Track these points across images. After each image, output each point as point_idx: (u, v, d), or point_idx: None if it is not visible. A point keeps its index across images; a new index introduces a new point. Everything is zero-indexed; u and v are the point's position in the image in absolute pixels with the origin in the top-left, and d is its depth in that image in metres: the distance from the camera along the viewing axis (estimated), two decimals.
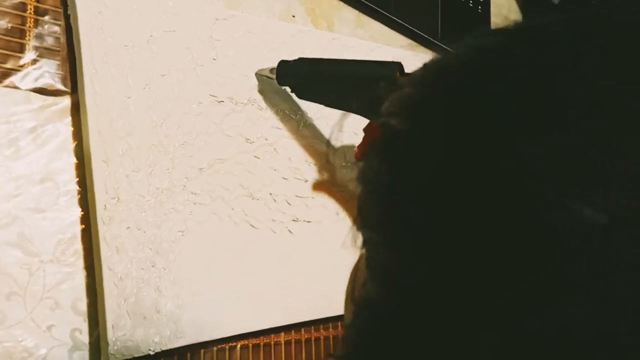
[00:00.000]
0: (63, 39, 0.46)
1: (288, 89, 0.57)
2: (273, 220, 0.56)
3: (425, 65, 0.24)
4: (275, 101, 0.58)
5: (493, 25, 0.79)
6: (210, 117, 0.53)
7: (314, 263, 0.58)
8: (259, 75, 0.57)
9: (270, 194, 0.56)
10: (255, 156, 0.56)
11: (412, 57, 0.74)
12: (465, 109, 0.20)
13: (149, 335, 0.46)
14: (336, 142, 0.63)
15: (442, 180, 0.20)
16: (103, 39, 0.46)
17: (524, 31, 0.22)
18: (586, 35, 0.20)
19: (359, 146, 0.57)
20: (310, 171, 0.60)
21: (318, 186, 0.60)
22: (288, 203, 0.57)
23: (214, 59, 0.54)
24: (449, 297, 0.19)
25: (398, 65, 0.50)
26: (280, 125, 0.58)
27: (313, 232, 0.59)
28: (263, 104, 0.57)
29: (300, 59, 0.55)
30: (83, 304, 0.44)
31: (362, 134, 0.40)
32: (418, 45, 0.79)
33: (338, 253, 0.60)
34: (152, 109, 0.49)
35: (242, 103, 0.56)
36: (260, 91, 0.57)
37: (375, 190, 0.24)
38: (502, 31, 0.22)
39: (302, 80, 0.55)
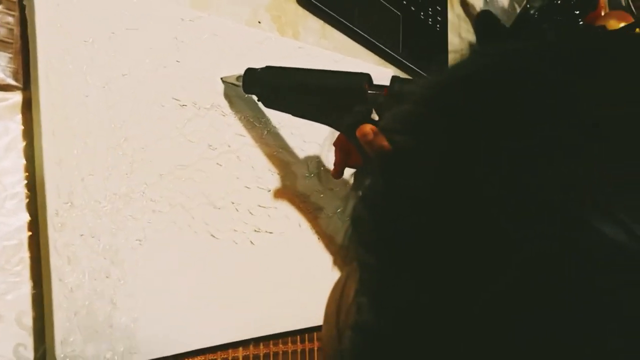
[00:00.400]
0: (17, 31, 0.43)
1: (254, 97, 0.56)
2: (235, 230, 0.54)
3: (423, 82, 0.24)
4: (241, 107, 0.57)
5: (450, 45, 0.81)
6: (172, 121, 0.51)
7: (275, 276, 0.57)
8: (224, 81, 0.55)
9: (233, 203, 0.54)
10: (217, 163, 0.54)
11: (376, 69, 0.74)
12: (448, 129, 0.20)
13: (100, 352, 0.43)
14: (303, 154, 0.62)
15: (430, 198, 0.19)
16: (61, 33, 0.43)
17: (499, 54, 0.23)
18: (551, 52, 0.21)
19: (335, 164, 0.57)
20: (273, 181, 0.58)
21: (281, 196, 0.59)
22: (250, 213, 0.56)
23: (178, 61, 0.52)
24: (434, 316, 0.19)
25: (367, 77, 0.49)
26: (244, 132, 0.57)
27: (275, 244, 0.57)
28: (227, 109, 0.55)
29: (268, 67, 0.54)
30: (28, 317, 0.41)
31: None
32: (380, 58, 0.79)
33: (299, 266, 0.59)
34: (112, 109, 0.46)
35: (205, 108, 0.53)
36: (226, 96, 0.55)
37: (367, 207, 0.23)
38: (484, 53, 0.23)
39: (269, 89, 0.54)
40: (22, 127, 0.43)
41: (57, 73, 0.43)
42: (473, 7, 1.08)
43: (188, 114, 0.52)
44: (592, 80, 0.19)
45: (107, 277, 0.44)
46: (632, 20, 1.14)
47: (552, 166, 0.17)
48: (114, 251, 0.45)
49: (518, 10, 1.19)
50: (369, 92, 0.49)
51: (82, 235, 0.43)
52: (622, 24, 1.11)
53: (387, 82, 0.48)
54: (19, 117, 0.43)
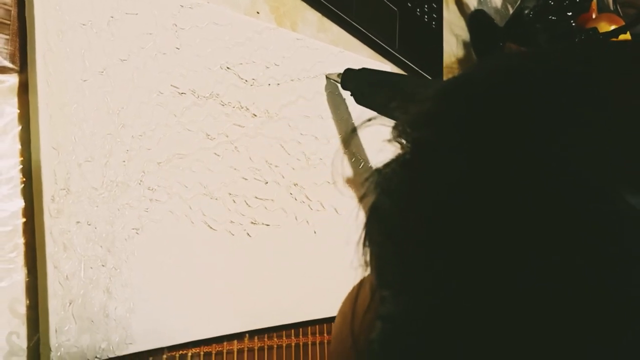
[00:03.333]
0: (14, 12, 0.42)
1: (349, 93, 0.64)
2: (231, 222, 0.53)
3: (446, 81, 0.24)
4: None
5: (445, 42, 0.84)
6: (170, 109, 0.50)
7: (271, 269, 0.56)
8: (328, 77, 0.65)
9: (230, 194, 0.53)
10: (215, 153, 0.53)
11: (373, 64, 0.74)
12: (484, 119, 0.20)
13: (95, 341, 0.42)
14: (300, 146, 0.61)
15: (458, 187, 0.20)
16: (59, 15, 0.42)
17: (536, 53, 0.23)
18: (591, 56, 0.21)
19: None
20: (270, 173, 0.58)
21: (278, 188, 0.58)
22: (247, 204, 0.55)
23: (177, 48, 0.51)
24: (458, 302, 0.19)
25: None
26: (242, 122, 0.56)
27: (271, 237, 0.57)
28: (225, 99, 0.55)
29: (364, 68, 0.63)
30: (22, 305, 0.40)
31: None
32: (376, 53, 0.79)
33: (296, 259, 0.58)
34: (109, 95, 0.45)
35: (204, 97, 0.53)
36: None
37: (393, 199, 0.23)
38: (517, 54, 0.25)
39: (361, 87, 0.62)
40: (18, 111, 0.42)
41: (55, 56, 0.42)
42: (467, 6, 1.09)
43: (186, 102, 0.51)
44: (617, 72, 0.19)
45: (103, 265, 0.43)
46: (622, 23, 1.16)
47: (590, 145, 0.17)
48: (111, 240, 0.44)
49: (511, 10, 1.20)
50: None
51: (78, 222, 0.42)
52: (613, 27, 1.13)
53: None
54: (14, 101, 0.42)
